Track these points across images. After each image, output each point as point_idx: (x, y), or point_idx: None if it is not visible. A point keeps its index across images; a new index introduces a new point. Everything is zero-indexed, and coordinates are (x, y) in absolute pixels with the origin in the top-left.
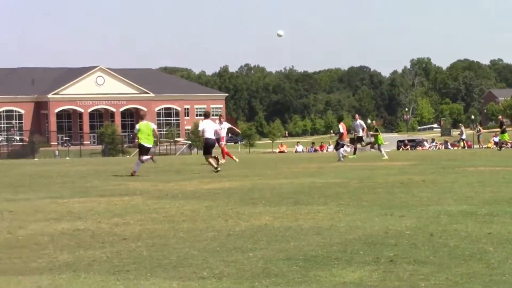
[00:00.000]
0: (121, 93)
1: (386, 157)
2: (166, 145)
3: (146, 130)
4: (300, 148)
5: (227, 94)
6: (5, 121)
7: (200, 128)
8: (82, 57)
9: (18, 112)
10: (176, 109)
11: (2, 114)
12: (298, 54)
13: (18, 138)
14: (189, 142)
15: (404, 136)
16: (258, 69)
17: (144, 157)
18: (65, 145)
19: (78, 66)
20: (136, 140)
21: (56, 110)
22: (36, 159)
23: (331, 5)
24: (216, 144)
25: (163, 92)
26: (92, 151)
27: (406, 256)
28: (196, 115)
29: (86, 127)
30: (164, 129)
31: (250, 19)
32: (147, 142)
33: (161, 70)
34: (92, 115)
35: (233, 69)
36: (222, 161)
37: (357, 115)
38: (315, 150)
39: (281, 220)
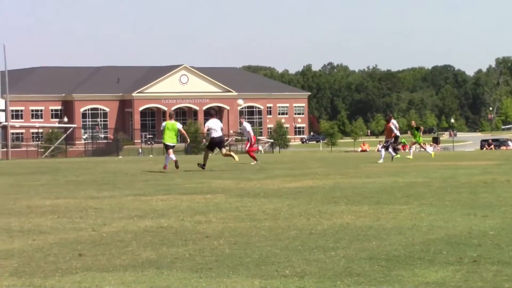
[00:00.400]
0: (205, 91)
1: (411, 156)
2: None
3: (172, 129)
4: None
5: (309, 93)
6: (90, 119)
7: (206, 126)
8: (166, 56)
9: (103, 110)
10: (258, 108)
11: (87, 112)
12: (382, 52)
13: (102, 135)
14: (271, 140)
15: (488, 136)
16: (341, 67)
17: (171, 155)
18: (148, 143)
19: (162, 64)
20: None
21: (140, 108)
22: (120, 156)
23: (414, 3)
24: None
25: (246, 90)
26: (175, 149)
27: (490, 257)
28: (279, 114)
29: None
30: None
31: (333, 17)
32: (170, 141)
33: (244, 69)
34: (176, 113)
35: (316, 67)
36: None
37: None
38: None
39: (363, 219)
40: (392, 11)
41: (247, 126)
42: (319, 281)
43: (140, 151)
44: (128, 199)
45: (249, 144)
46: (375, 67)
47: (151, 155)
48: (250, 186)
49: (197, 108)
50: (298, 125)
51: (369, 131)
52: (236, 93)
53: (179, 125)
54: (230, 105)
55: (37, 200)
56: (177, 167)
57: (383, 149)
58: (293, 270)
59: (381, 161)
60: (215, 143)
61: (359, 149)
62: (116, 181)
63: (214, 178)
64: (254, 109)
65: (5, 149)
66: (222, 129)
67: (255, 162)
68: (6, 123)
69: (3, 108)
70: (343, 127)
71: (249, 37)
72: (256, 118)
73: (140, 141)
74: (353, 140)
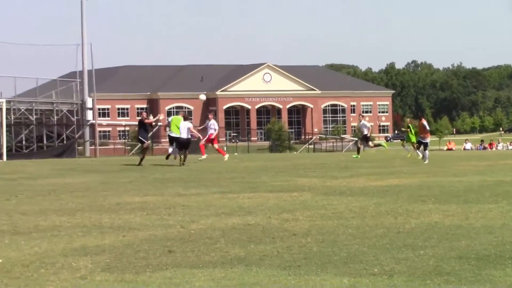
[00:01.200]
0: (288, 90)
1: (409, 155)
2: (333, 142)
3: (175, 123)
4: (468, 145)
5: (393, 91)
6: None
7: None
8: (249, 54)
9: (188, 108)
10: (342, 106)
11: (172, 110)
12: (466, 50)
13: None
14: (356, 139)
15: None
16: (425, 65)
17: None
18: (233, 141)
19: (245, 63)
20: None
21: (224, 107)
22: (204, 156)
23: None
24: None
25: (329, 89)
26: (259, 147)
27: None
28: (362, 112)
29: (253, 124)
30: (331, 125)
31: (415, 16)
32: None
33: (327, 67)
34: (259, 111)
35: (400, 65)
36: (203, 156)
37: (360, 115)
38: (484, 148)
39: (451, 218)
40: (478, 8)
41: (215, 124)
42: (408, 280)
43: (225, 149)
44: (215, 197)
45: (206, 138)
46: (460, 64)
47: (236, 153)
48: (336, 184)
49: (280, 106)
50: (382, 124)
51: (454, 130)
52: (320, 91)
53: (189, 124)
54: (313, 104)
55: (126, 197)
56: (167, 158)
57: (426, 151)
58: (382, 269)
59: (426, 162)
60: (182, 144)
61: (445, 147)
62: (202, 179)
63: (300, 176)
64: (338, 107)
65: (93, 147)
66: (189, 130)
67: (204, 156)
68: (93, 121)
69: (91, 106)
70: (428, 125)
71: (332, 35)
72: (339, 117)
73: (224, 139)
74: (438, 139)
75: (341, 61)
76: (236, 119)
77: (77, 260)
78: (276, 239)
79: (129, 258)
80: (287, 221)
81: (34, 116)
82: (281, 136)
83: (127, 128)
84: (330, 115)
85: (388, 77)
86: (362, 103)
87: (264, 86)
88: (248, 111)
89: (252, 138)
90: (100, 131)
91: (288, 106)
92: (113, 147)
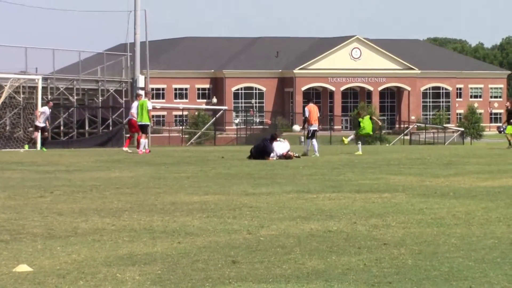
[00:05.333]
0: (381, 68)
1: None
2: (433, 133)
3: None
4: None
5: (509, 72)
6: (243, 100)
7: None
8: (335, 25)
9: (259, 89)
10: (446, 89)
11: (239, 92)
12: None
13: (257, 120)
14: (462, 129)
15: None
16: None
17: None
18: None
19: (330, 36)
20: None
21: (303, 88)
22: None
23: None
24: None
25: (431, 68)
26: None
27: None
28: (471, 97)
29: (337, 109)
30: (431, 112)
31: None
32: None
33: (429, 41)
34: (345, 94)
35: None
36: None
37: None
38: None
39: None
40: None
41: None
42: None
43: (302, 139)
44: (290, 197)
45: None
46: None
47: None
48: (436, 184)
49: (371, 88)
50: (494, 111)
51: None
52: (419, 71)
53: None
54: (411, 86)
55: (182, 196)
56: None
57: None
58: (491, 287)
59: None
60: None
61: None
62: (275, 175)
63: (393, 174)
64: (441, 91)
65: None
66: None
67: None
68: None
69: (143, 86)
70: None
71: (435, 2)
72: (443, 102)
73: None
74: None
75: (446, 35)
76: (316, 103)
77: (122, 271)
78: (363, 249)
79: (184, 269)
80: (376, 228)
81: (75, 97)
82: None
83: (185, 113)
84: (431, 99)
85: (503, 55)
86: (470, 85)
87: (352, 63)
88: (331, 93)
89: (335, 127)
90: (153, 116)
91: (380, 88)
92: (168, 135)
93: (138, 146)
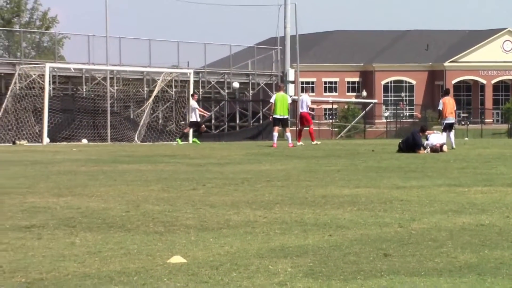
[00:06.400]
0: None
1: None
2: None
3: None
4: None
5: None
6: (393, 93)
7: None
8: (485, 19)
9: (409, 83)
10: None
11: (389, 85)
12: None
13: (407, 113)
14: None
15: None
16: None
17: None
18: (463, 123)
19: (481, 28)
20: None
21: (453, 81)
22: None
23: None
24: None
25: None
26: (495, 131)
27: None
28: None
29: (488, 102)
30: None
31: None
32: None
33: None
34: (496, 87)
35: None
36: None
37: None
38: None
39: None
40: None
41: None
42: None
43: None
44: (441, 190)
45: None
46: None
47: (466, 138)
48: None
49: None
50: None
51: None
52: None
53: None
54: None
55: (333, 189)
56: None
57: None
58: None
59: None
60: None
61: None
62: (425, 168)
63: None
64: None
65: (294, 128)
66: None
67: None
68: (295, 98)
69: (293, 79)
70: None
71: None
72: None
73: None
74: None
75: None
76: (467, 97)
77: (274, 263)
78: None
79: (336, 261)
80: None
81: (226, 91)
82: None
83: (335, 106)
84: None
85: None
86: None
87: (504, 56)
88: (482, 86)
89: (486, 120)
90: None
91: None
92: (318, 128)
93: (298, 139)
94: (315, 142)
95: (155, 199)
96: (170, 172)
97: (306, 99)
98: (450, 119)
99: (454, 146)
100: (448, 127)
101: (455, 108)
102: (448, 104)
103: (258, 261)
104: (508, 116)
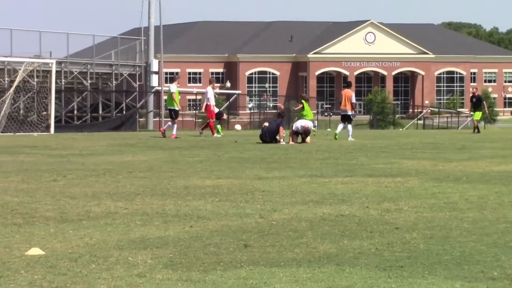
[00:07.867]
0: (395, 53)
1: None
2: (447, 117)
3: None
4: None
5: None
6: (256, 84)
7: None
8: (348, 10)
9: (273, 74)
10: (460, 74)
11: (253, 76)
12: None
13: (271, 104)
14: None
15: None
16: None
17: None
18: (326, 114)
19: (344, 20)
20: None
21: (317, 73)
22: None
23: None
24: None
25: (445, 52)
26: (358, 122)
27: None
28: (485, 81)
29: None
30: (445, 97)
31: None
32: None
33: (444, 26)
34: (359, 79)
35: None
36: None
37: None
38: None
39: None
40: None
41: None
42: None
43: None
44: (302, 181)
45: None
46: None
47: (328, 129)
48: (449, 168)
49: (385, 73)
50: (508, 96)
51: None
52: (433, 55)
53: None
54: (425, 70)
55: (195, 180)
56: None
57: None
58: (503, 272)
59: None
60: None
61: None
62: (288, 159)
63: (406, 158)
64: (455, 75)
65: (157, 119)
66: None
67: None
68: (159, 88)
69: (157, 70)
70: None
71: None
72: (456, 86)
73: (316, 111)
74: None
75: (461, 19)
76: (330, 88)
77: (134, 254)
78: (375, 233)
79: (196, 252)
80: (388, 212)
81: (89, 81)
82: (384, 109)
83: (199, 97)
84: (445, 84)
85: None
86: (484, 70)
87: (366, 48)
88: (345, 78)
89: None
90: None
91: (394, 73)
92: (181, 119)
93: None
94: (215, 135)
95: (14, 190)
96: (31, 163)
97: (209, 92)
98: (343, 111)
99: (350, 138)
100: (342, 119)
101: (353, 101)
102: (343, 96)
103: (118, 252)
104: (370, 107)
